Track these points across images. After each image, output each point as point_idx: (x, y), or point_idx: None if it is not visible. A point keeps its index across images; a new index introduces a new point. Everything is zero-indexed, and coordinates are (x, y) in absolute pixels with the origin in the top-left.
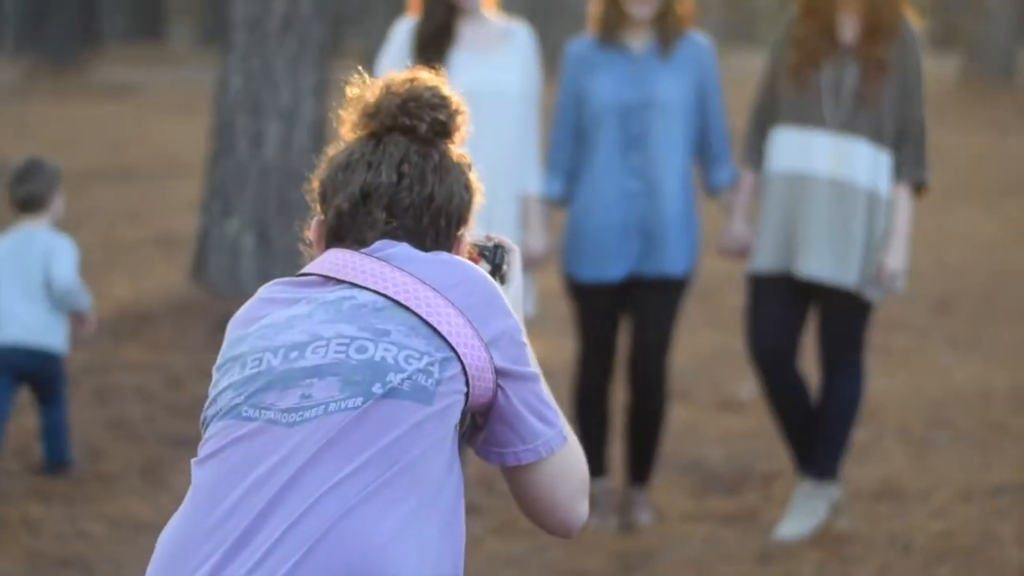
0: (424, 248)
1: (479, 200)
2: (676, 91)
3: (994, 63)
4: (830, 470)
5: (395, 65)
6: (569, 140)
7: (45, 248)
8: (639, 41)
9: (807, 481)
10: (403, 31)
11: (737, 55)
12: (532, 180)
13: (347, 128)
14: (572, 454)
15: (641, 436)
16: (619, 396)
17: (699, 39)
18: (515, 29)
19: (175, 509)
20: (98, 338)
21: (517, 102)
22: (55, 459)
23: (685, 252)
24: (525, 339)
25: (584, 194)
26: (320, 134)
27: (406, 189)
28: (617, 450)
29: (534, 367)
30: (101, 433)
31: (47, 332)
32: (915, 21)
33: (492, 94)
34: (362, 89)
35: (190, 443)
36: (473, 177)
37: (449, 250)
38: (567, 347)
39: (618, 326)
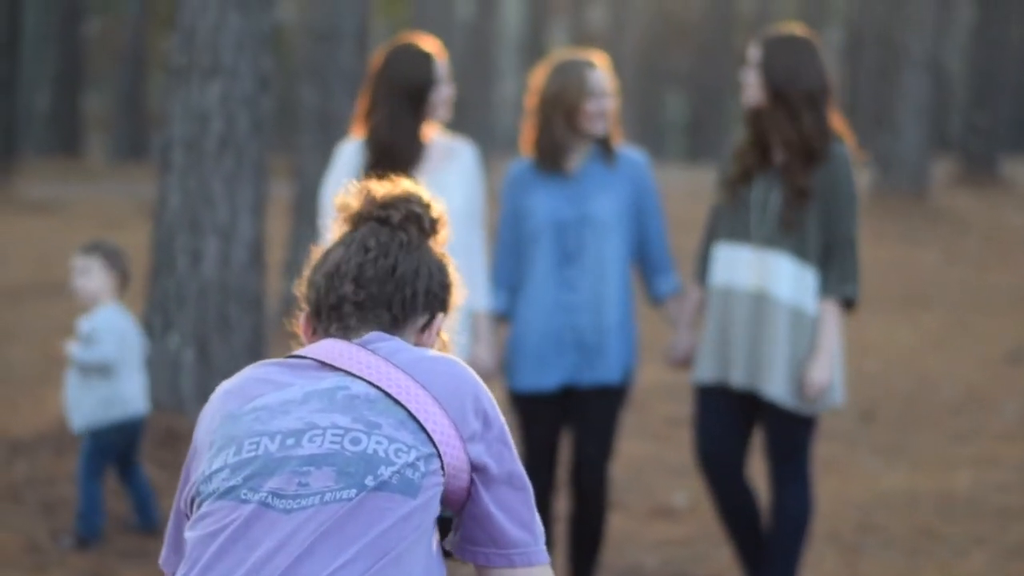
0: (392, 316)
1: (458, 294)
2: (611, 207)
3: (906, 177)
4: None
5: (342, 185)
6: (510, 256)
7: (134, 320)
8: (576, 159)
9: None
10: (349, 151)
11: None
12: (479, 296)
13: (335, 230)
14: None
15: (584, 544)
16: (561, 505)
17: (633, 153)
18: (459, 148)
19: None
20: (40, 451)
21: (461, 221)
22: (152, 521)
23: (621, 361)
24: (510, 440)
25: (523, 307)
26: (258, 250)
27: (370, 261)
28: (560, 557)
29: (519, 471)
30: (48, 544)
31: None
32: (847, 139)
33: None
34: (348, 199)
35: (136, 554)
36: (451, 269)
37: (417, 322)
38: None
39: (559, 435)
